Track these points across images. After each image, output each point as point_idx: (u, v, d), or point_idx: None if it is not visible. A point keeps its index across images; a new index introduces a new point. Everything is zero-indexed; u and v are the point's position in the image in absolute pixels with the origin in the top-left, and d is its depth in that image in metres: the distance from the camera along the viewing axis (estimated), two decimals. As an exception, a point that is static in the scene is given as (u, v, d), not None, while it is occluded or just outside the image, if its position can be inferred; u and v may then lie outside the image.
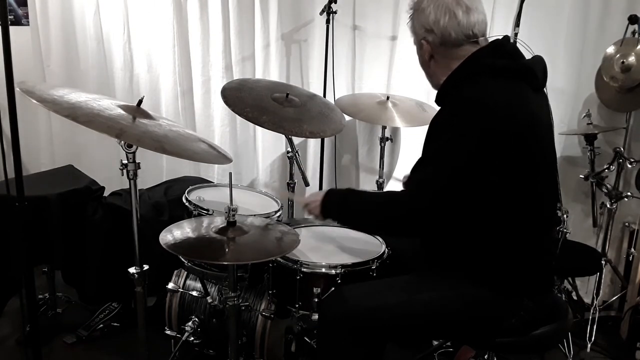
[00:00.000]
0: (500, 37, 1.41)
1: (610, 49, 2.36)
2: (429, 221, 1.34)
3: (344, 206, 1.50)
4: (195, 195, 2.02)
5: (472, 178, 1.28)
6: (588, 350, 2.23)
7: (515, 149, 1.29)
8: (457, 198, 1.30)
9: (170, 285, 1.96)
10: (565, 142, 2.63)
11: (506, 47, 1.40)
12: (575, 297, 2.44)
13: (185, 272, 1.99)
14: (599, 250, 2.47)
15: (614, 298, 2.56)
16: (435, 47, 1.41)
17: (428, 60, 1.45)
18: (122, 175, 1.55)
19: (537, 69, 1.38)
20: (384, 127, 2.65)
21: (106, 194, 2.35)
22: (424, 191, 1.33)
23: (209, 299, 1.86)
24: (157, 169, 2.96)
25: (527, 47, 1.51)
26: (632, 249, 2.49)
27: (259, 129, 2.86)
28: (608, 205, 2.43)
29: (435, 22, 1.38)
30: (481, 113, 1.28)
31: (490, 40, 1.41)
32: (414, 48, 1.53)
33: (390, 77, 2.75)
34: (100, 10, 2.80)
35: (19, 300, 1.78)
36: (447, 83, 1.41)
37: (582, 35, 2.50)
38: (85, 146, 2.98)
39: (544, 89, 1.44)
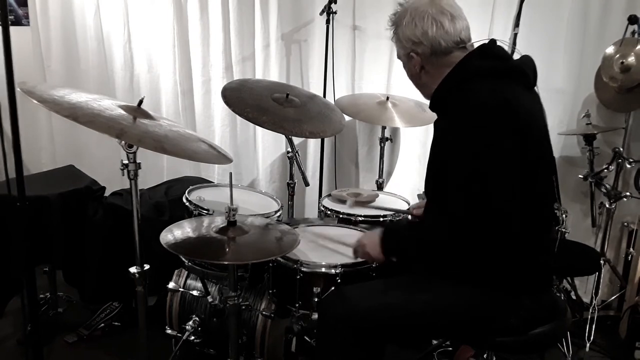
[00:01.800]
0: (487, 41, 1.43)
1: (610, 49, 2.36)
2: (516, 234, 1.27)
3: (408, 239, 1.44)
4: (195, 195, 2.02)
5: (514, 181, 1.27)
6: (587, 349, 2.23)
7: (519, 148, 1.29)
8: (508, 205, 1.26)
9: (171, 285, 1.97)
10: (564, 142, 2.63)
11: (493, 49, 1.42)
12: (574, 297, 2.45)
13: (186, 272, 1.99)
14: (598, 250, 2.48)
15: (613, 298, 2.57)
16: (426, 57, 1.42)
17: (419, 72, 1.46)
18: (123, 175, 1.56)
19: (526, 68, 1.40)
20: (383, 127, 2.66)
21: (107, 194, 2.35)
22: (490, 209, 1.24)
23: (210, 299, 1.87)
24: (158, 169, 2.97)
25: (515, 48, 1.51)
26: (631, 249, 2.49)
27: (259, 129, 2.86)
28: (607, 205, 2.43)
29: (423, 33, 1.39)
30: (503, 109, 1.27)
31: (476, 45, 1.43)
32: None
33: (390, 77, 2.76)
34: (100, 10, 2.81)
35: (20, 300, 1.79)
36: (440, 90, 1.42)
37: (581, 35, 2.51)
38: (86, 146, 2.99)
39: (535, 88, 1.45)
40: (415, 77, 1.49)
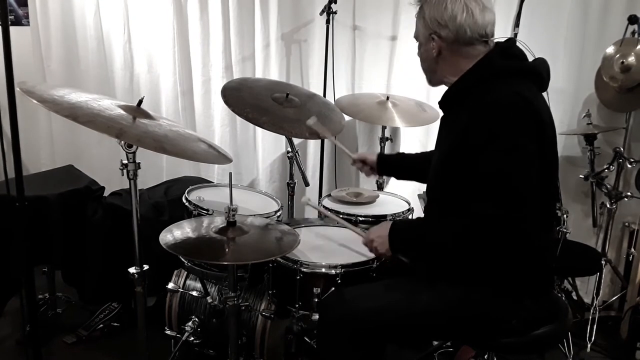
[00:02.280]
0: (504, 40, 1.41)
1: (610, 49, 2.36)
2: (530, 235, 1.26)
3: (421, 237, 1.40)
4: (195, 195, 2.01)
5: (537, 181, 1.27)
6: (588, 350, 2.23)
7: (542, 147, 1.29)
8: (533, 207, 1.26)
9: (170, 285, 1.96)
10: (565, 142, 2.63)
11: (513, 49, 1.40)
12: (575, 297, 2.44)
13: (185, 272, 1.99)
14: (599, 250, 2.47)
15: (614, 298, 2.56)
16: (448, 43, 1.37)
17: (435, 57, 1.41)
18: (122, 175, 1.56)
19: (542, 70, 1.39)
20: (383, 127, 2.65)
21: (106, 194, 2.35)
22: (519, 205, 1.23)
23: (209, 299, 1.86)
24: (157, 169, 2.96)
25: (530, 51, 1.50)
26: (632, 249, 2.49)
27: (259, 129, 2.86)
28: (608, 205, 2.43)
29: (451, 17, 1.34)
30: (529, 111, 1.27)
31: (494, 41, 1.41)
32: (414, 48, 1.50)
33: (390, 77, 2.75)
34: (100, 10, 2.81)
35: (19, 300, 1.78)
36: (459, 85, 1.39)
37: (581, 35, 2.51)
38: (86, 146, 2.99)
39: (544, 93, 1.44)
40: (429, 61, 1.44)
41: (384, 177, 2.74)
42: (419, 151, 2.77)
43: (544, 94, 1.42)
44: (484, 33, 1.36)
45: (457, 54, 1.38)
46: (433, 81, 1.51)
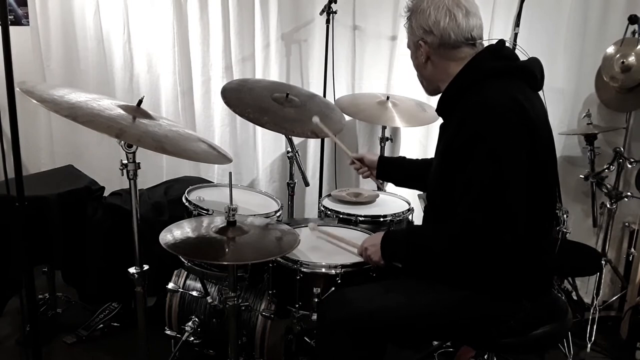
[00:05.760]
0: (495, 42, 1.43)
1: (610, 49, 2.36)
2: (520, 243, 1.28)
3: (409, 245, 1.45)
4: (195, 195, 2.01)
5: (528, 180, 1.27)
6: (588, 350, 2.23)
7: (531, 150, 1.29)
8: (523, 210, 1.28)
9: (170, 285, 1.96)
10: (565, 142, 2.63)
11: (503, 50, 1.42)
12: (575, 297, 2.44)
13: (185, 272, 1.99)
14: (599, 250, 2.48)
15: (614, 298, 2.56)
16: (434, 48, 1.41)
17: (424, 62, 1.45)
18: (122, 175, 1.55)
19: (535, 69, 1.40)
20: (384, 127, 2.65)
21: (106, 194, 2.35)
22: (507, 215, 1.25)
23: (209, 299, 1.86)
24: (157, 169, 2.96)
25: (523, 51, 1.51)
26: (632, 249, 2.49)
27: (259, 128, 2.86)
28: (608, 205, 2.43)
29: (435, 23, 1.38)
30: (517, 113, 1.27)
31: (485, 44, 1.42)
32: None
33: (390, 77, 2.76)
34: (100, 10, 2.81)
35: (19, 300, 1.78)
36: (450, 90, 1.41)
37: (582, 35, 2.51)
38: (85, 146, 2.99)
39: (540, 92, 1.44)
40: (420, 68, 1.49)
41: (382, 181, 2.74)
42: (419, 151, 2.79)
43: (540, 93, 1.43)
44: (470, 36, 1.39)
45: (444, 57, 1.42)
46: (429, 89, 1.54)
